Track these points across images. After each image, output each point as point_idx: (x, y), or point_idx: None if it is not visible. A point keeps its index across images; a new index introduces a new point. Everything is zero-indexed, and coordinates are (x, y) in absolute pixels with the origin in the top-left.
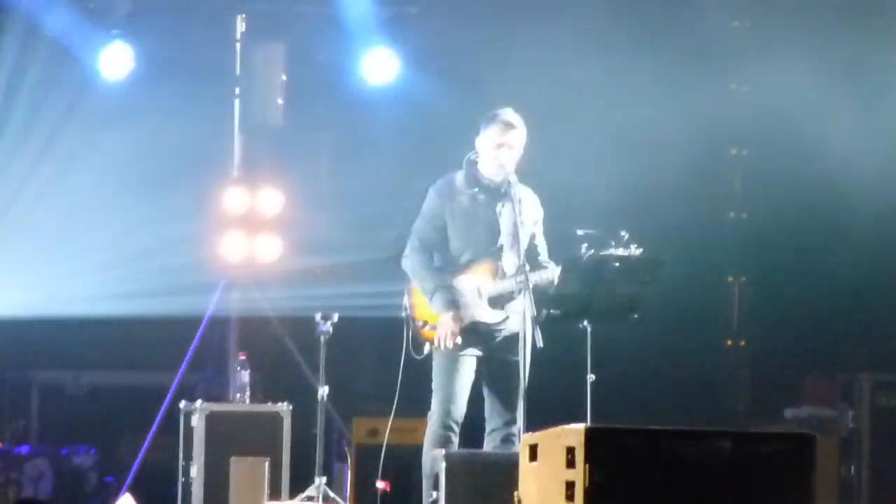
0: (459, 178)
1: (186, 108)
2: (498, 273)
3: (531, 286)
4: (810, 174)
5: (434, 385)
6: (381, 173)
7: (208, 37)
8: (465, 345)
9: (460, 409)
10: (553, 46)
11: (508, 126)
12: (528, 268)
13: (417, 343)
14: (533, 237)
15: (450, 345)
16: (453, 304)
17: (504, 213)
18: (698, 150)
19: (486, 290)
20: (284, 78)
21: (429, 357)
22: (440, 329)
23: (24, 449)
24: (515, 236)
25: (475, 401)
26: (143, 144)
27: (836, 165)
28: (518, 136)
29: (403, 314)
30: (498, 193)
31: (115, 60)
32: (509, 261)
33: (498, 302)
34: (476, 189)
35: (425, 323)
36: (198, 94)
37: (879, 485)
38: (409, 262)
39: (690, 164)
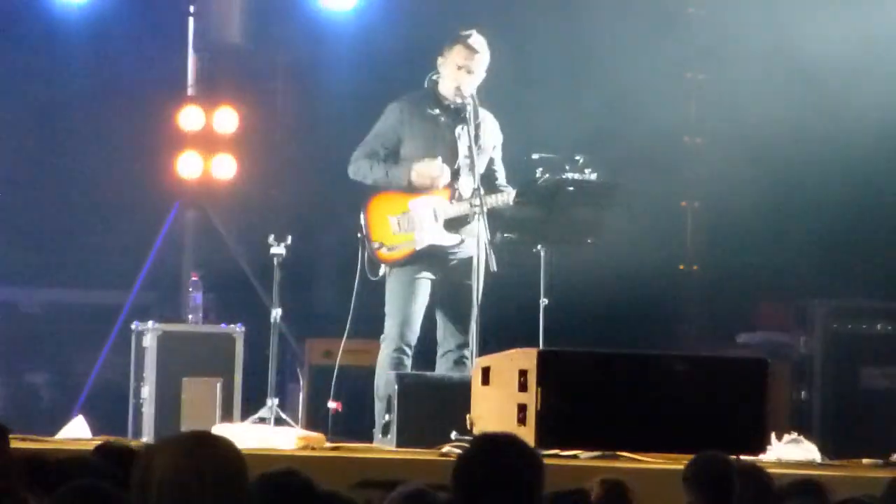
0: (421, 97)
1: (142, 26)
2: (454, 196)
3: (486, 210)
4: (764, 98)
5: (388, 308)
6: (339, 94)
7: None
8: (421, 268)
9: (414, 331)
10: None
11: (470, 50)
12: (482, 191)
13: (373, 264)
14: (491, 161)
15: (445, 182)
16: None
17: (463, 135)
18: (655, 74)
19: (441, 213)
20: None
21: (383, 280)
22: (430, 181)
23: None
24: (472, 160)
25: (428, 323)
26: (97, 61)
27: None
28: (480, 61)
29: (359, 235)
30: (458, 115)
31: None
32: (466, 184)
33: (453, 225)
34: (437, 110)
35: (381, 244)
36: (153, 11)
37: (831, 410)
38: (355, 166)
39: (647, 88)
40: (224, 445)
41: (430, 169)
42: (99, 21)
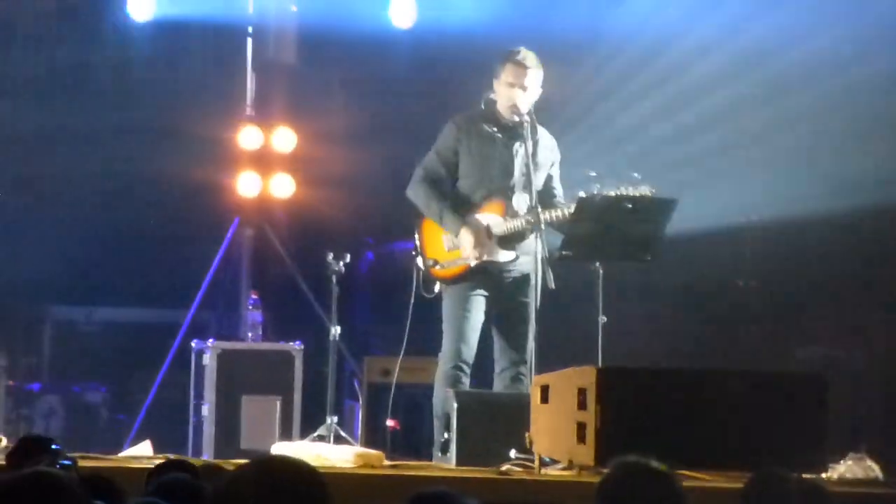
0: (479, 116)
1: (202, 46)
2: (508, 212)
3: (543, 225)
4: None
5: (445, 325)
6: (395, 112)
7: None
8: (476, 285)
9: (471, 348)
10: None
11: (521, 66)
12: (539, 208)
13: (428, 282)
14: (549, 179)
15: (478, 257)
16: (464, 219)
17: (519, 152)
18: (716, 86)
19: (496, 229)
20: (295, 9)
21: (439, 297)
22: (464, 247)
23: (35, 385)
24: (528, 177)
25: (485, 341)
26: (159, 81)
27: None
28: (532, 77)
29: (414, 253)
30: (515, 133)
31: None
32: (520, 201)
33: (508, 241)
34: (494, 128)
35: (435, 262)
36: (212, 32)
37: (890, 425)
38: (413, 191)
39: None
40: (306, 471)
41: (471, 243)
42: (160, 41)
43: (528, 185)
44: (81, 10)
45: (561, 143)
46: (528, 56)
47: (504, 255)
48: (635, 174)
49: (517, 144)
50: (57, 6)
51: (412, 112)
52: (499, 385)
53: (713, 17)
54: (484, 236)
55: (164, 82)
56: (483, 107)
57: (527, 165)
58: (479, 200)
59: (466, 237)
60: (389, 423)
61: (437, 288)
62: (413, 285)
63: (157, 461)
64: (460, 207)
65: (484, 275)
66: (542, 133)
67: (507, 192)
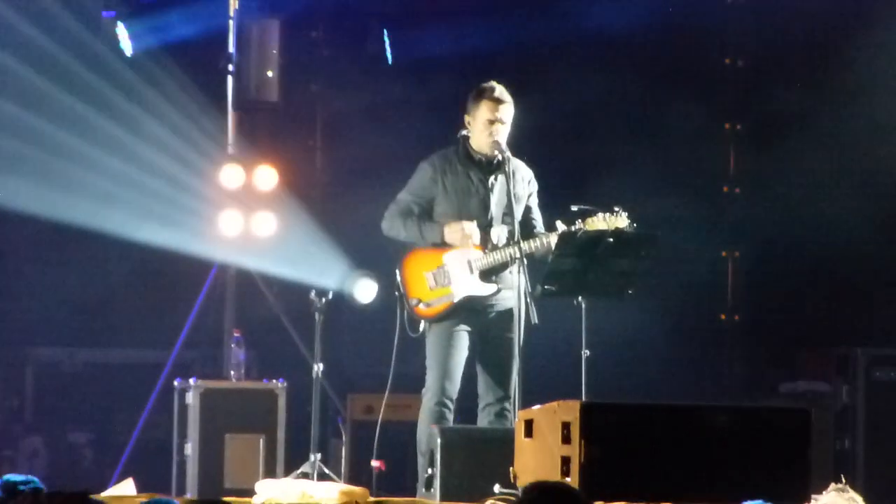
0: (452, 155)
1: (182, 84)
2: (489, 246)
3: (525, 256)
4: (803, 147)
5: (428, 361)
6: (375, 150)
7: (202, 13)
8: (460, 321)
9: (455, 385)
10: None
11: (498, 101)
12: (520, 241)
13: (412, 321)
14: (528, 210)
15: (476, 242)
16: (444, 225)
17: (496, 186)
18: (692, 125)
19: (476, 264)
20: (276, 52)
21: (423, 335)
22: (460, 242)
23: (18, 427)
24: (506, 209)
25: (469, 377)
26: (137, 121)
27: (828, 138)
28: (508, 110)
29: (396, 293)
30: (490, 168)
31: (123, 39)
32: (500, 234)
33: (489, 275)
34: (469, 165)
35: (419, 301)
36: (192, 69)
37: (874, 459)
38: (389, 223)
39: (685, 138)
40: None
41: (462, 230)
42: (142, 77)
43: (505, 218)
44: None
45: (539, 173)
46: (502, 91)
47: (486, 289)
48: (616, 208)
49: (492, 178)
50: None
51: (396, 146)
52: (483, 420)
53: None
54: (466, 271)
55: (143, 117)
56: (457, 144)
57: (507, 197)
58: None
59: (455, 231)
60: (375, 463)
61: (421, 327)
62: (397, 323)
63: (141, 499)
64: (440, 245)
65: (468, 311)
66: (518, 165)
67: (485, 227)
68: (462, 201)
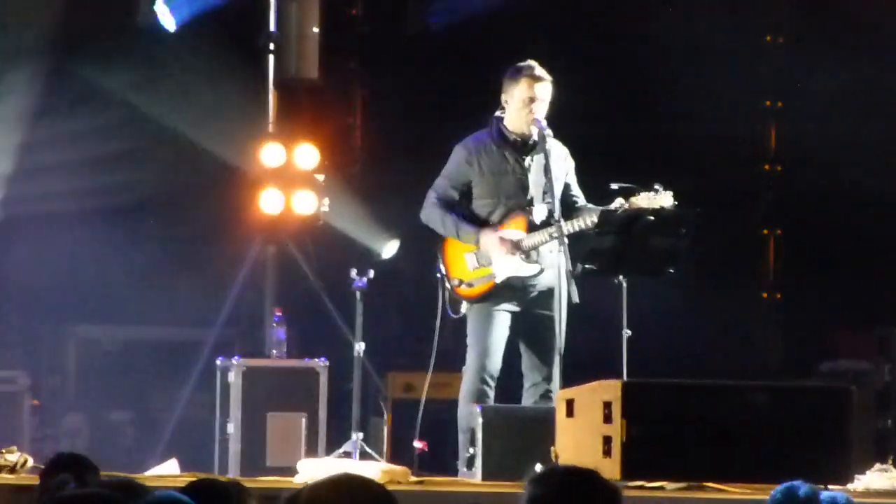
0: (486, 136)
1: (223, 62)
2: (530, 227)
3: (569, 234)
4: (844, 124)
5: (469, 340)
6: (415, 127)
7: None
8: (502, 300)
9: (496, 363)
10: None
11: (537, 79)
12: (561, 220)
13: (454, 302)
14: (567, 188)
15: (517, 252)
16: (480, 225)
17: (533, 166)
18: (732, 100)
19: (520, 245)
20: (316, 30)
21: (465, 315)
22: (489, 246)
23: (60, 405)
24: (545, 188)
25: (513, 357)
26: (177, 99)
27: (869, 114)
28: (547, 88)
29: (438, 275)
30: (526, 147)
31: (164, 15)
32: (540, 213)
33: (531, 255)
34: (504, 145)
35: (461, 282)
36: (233, 48)
37: None
38: (427, 214)
39: (725, 115)
40: (376, 487)
41: (497, 241)
42: (182, 55)
43: (545, 197)
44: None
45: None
46: (539, 69)
47: (529, 269)
48: (656, 186)
49: (528, 158)
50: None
51: (436, 123)
52: (527, 401)
53: None
54: (509, 252)
55: (186, 98)
56: (491, 126)
57: (545, 177)
58: (499, 219)
59: (491, 243)
60: (417, 444)
61: (463, 308)
62: (440, 303)
63: (184, 479)
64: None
65: (509, 291)
66: (553, 143)
67: (525, 207)
68: (498, 182)
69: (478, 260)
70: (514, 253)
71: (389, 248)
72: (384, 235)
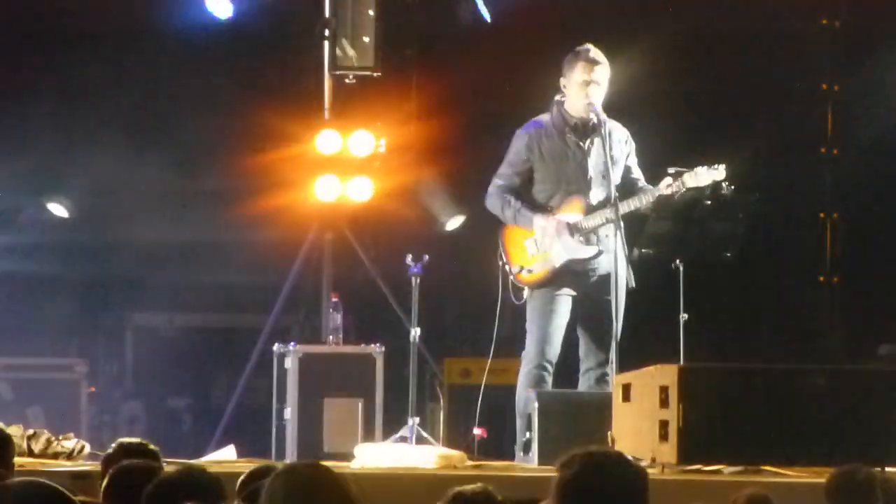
0: (547, 120)
1: (280, 49)
2: (588, 209)
3: (623, 213)
4: None
5: (529, 326)
6: (472, 115)
7: None
8: (562, 285)
9: (555, 349)
10: None
11: (593, 63)
12: (619, 203)
13: (516, 289)
14: (628, 170)
15: (575, 234)
16: (534, 213)
17: (593, 149)
18: (790, 87)
19: (578, 227)
20: (372, 17)
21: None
22: (546, 231)
23: (118, 392)
24: (603, 171)
25: (570, 342)
26: (236, 82)
27: None
28: (603, 72)
29: (500, 262)
30: (586, 131)
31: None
32: (597, 196)
33: (590, 238)
34: (564, 129)
35: (521, 268)
36: (290, 35)
37: None
38: (490, 202)
39: (782, 99)
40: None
41: (547, 226)
42: (238, 43)
43: (603, 180)
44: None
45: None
46: (597, 52)
47: (587, 252)
48: (716, 166)
49: (588, 141)
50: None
51: (493, 112)
52: (584, 385)
53: None
54: (567, 234)
55: (241, 86)
56: (551, 110)
57: (603, 160)
58: (558, 204)
59: (543, 227)
60: (477, 430)
61: (525, 293)
62: (500, 290)
63: (241, 464)
64: (541, 212)
65: (569, 275)
66: (613, 126)
67: (584, 190)
68: (559, 166)
69: (537, 246)
70: (571, 235)
71: (454, 221)
72: (450, 208)
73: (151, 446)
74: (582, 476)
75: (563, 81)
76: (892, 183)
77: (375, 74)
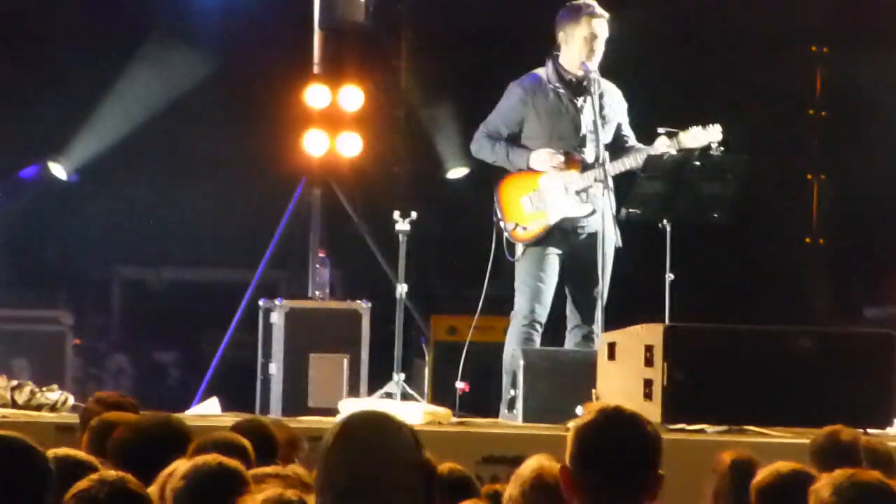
0: (543, 75)
1: (268, 3)
2: (583, 167)
3: (613, 175)
4: (892, 70)
5: (518, 284)
6: (463, 71)
7: None
8: (552, 243)
9: (545, 308)
10: None
11: (597, 16)
12: (606, 163)
13: (510, 246)
14: (619, 128)
15: (562, 165)
16: (531, 151)
17: (586, 107)
18: (779, 48)
19: (572, 185)
20: None
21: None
22: (547, 164)
23: (104, 345)
24: (597, 130)
25: (558, 299)
26: (224, 38)
27: None
28: (605, 25)
29: (494, 218)
30: (580, 88)
31: None
32: (591, 154)
33: (584, 195)
34: (559, 85)
35: (516, 224)
36: None
37: None
38: (477, 145)
39: (771, 60)
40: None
41: (549, 156)
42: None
43: (596, 139)
44: None
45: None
46: (597, 6)
47: (582, 210)
48: (710, 125)
49: (581, 99)
50: None
51: (483, 66)
52: (570, 343)
53: None
54: (562, 192)
55: (229, 38)
56: (547, 64)
57: (594, 121)
58: None
59: (541, 157)
60: (459, 384)
61: (519, 251)
62: (493, 246)
63: (226, 418)
64: (532, 169)
65: (560, 233)
66: (607, 85)
67: (577, 148)
68: (553, 122)
69: (532, 203)
70: (567, 191)
71: (457, 171)
72: (454, 158)
73: (129, 398)
74: (599, 429)
75: (560, 36)
76: (878, 145)
77: (366, 26)
